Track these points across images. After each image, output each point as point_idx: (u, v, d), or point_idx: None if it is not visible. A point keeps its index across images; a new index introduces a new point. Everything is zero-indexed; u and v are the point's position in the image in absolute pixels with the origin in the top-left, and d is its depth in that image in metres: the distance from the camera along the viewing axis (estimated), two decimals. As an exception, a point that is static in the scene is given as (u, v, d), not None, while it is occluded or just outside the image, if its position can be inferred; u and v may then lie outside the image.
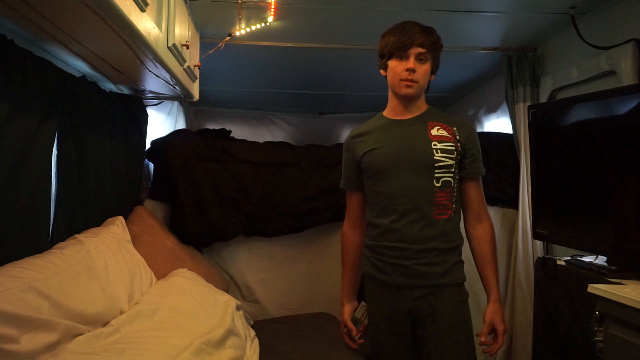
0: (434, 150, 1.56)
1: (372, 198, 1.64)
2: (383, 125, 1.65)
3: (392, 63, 1.56)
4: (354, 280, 1.76)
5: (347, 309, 1.74)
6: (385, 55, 1.58)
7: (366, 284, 1.69)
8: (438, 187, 1.56)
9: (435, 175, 1.55)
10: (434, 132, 1.59)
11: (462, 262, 1.66)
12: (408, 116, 1.63)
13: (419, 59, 1.53)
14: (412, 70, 1.52)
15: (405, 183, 1.56)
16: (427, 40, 1.52)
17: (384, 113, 1.68)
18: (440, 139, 1.58)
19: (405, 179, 1.56)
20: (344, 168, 1.72)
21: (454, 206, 1.60)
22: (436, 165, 1.55)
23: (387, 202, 1.58)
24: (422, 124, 1.61)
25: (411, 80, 1.53)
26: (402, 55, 1.54)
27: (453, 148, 1.58)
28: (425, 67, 1.55)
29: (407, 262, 1.55)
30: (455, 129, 1.61)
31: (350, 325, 1.72)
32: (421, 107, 1.65)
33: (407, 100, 1.60)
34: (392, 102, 1.65)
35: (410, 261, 1.55)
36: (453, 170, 1.58)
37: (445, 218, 1.58)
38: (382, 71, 1.63)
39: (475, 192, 1.66)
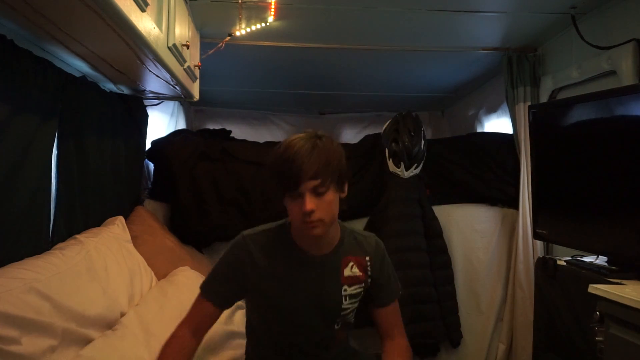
0: (343, 297, 1.36)
1: (257, 324, 1.43)
2: (291, 257, 1.35)
3: (286, 202, 1.26)
4: None
5: None
6: (278, 192, 1.27)
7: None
8: (338, 329, 1.40)
9: (337, 320, 1.39)
10: (346, 271, 1.36)
11: None
12: (320, 251, 1.35)
13: (317, 192, 1.21)
14: (311, 212, 1.20)
15: (303, 330, 1.37)
16: (319, 166, 1.19)
17: (294, 236, 1.35)
18: (352, 282, 1.37)
19: (304, 325, 1.36)
20: (220, 276, 1.37)
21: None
22: (342, 313, 1.37)
23: (276, 339, 1.39)
24: (335, 261, 1.36)
25: (313, 222, 1.22)
26: (295, 195, 1.22)
27: (361, 290, 1.39)
28: (328, 198, 1.22)
29: None
30: (368, 259, 1.39)
31: None
32: (335, 236, 1.36)
33: (316, 238, 1.30)
34: (299, 233, 1.34)
35: None
36: (355, 309, 1.42)
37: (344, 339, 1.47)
38: (283, 202, 1.30)
39: (385, 317, 1.45)
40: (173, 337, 1.34)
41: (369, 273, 1.40)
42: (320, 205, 1.21)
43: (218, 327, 1.80)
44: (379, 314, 1.44)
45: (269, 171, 1.27)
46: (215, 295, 1.35)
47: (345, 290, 1.36)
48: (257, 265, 1.32)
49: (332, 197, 1.24)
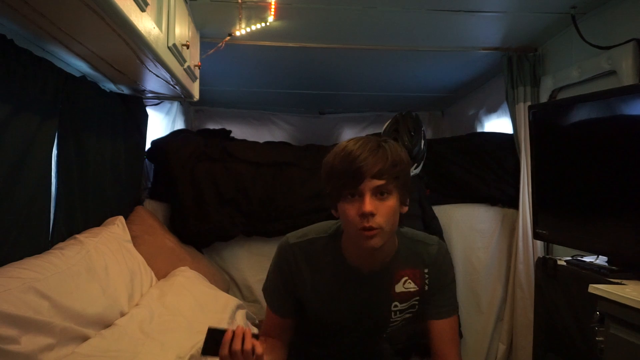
0: (392, 313, 1.25)
1: (302, 333, 1.36)
2: (338, 273, 1.22)
3: (342, 206, 1.10)
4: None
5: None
6: (333, 196, 1.12)
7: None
8: (386, 336, 1.35)
9: (384, 333, 1.33)
10: (398, 287, 1.23)
11: None
12: (371, 267, 1.21)
13: (379, 195, 1.07)
14: (371, 215, 1.05)
15: (350, 343, 1.30)
16: (384, 165, 1.06)
17: (344, 249, 1.21)
18: (404, 298, 1.23)
19: (352, 340, 1.31)
20: (272, 287, 1.29)
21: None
22: (390, 326, 1.29)
23: (320, 349, 1.37)
24: (387, 277, 1.22)
25: (371, 228, 1.06)
26: (353, 193, 1.07)
27: (416, 303, 1.26)
28: (390, 204, 1.08)
29: None
30: (426, 271, 1.24)
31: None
32: (390, 249, 1.20)
33: (371, 251, 1.12)
34: (351, 246, 1.19)
35: None
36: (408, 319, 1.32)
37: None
38: (332, 211, 1.16)
39: (439, 331, 1.25)
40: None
41: (426, 288, 1.24)
42: (381, 209, 1.06)
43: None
44: (432, 328, 1.27)
45: (324, 170, 1.12)
46: (276, 308, 1.29)
47: (395, 306, 1.24)
48: (302, 276, 1.23)
49: (394, 204, 1.09)
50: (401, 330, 1.34)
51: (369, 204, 1.05)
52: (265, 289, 1.31)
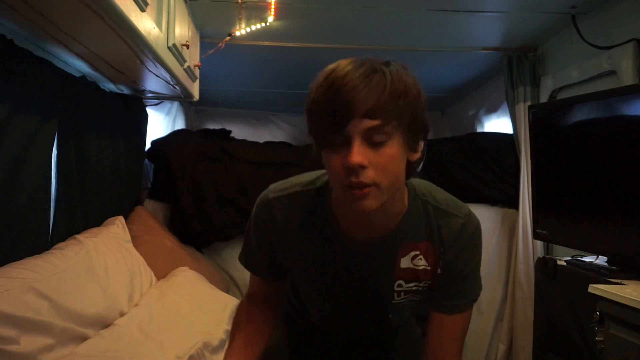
0: (396, 293, 0.98)
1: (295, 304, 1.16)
2: (326, 240, 0.95)
3: (325, 155, 0.82)
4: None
5: None
6: (316, 140, 0.85)
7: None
8: (391, 317, 1.08)
9: (389, 313, 1.06)
10: (405, 262, 0.95)
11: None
12: (370, 234, 0.92)
13: (372, 140, 0.77)
14: (360, 167, 0.77)
15: (349, 323, 1.10)
16: (380, 99, 0.76)
17: (334, 207, 0.93)
18: (410, 277, 0.96)
19: (351, 320, 1.09)
20: (251, 249, 1.04)
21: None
22: (392, 307, 1.03)
23: (322, 328, 1.15)
24: (390, 248, 0.94)
25: (362, 185, 0.77)
26: (337, 141, 0.79)
27: (426, 285, 0.99)
28: (389, 152, 0.78)
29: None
30: (441, 250, 0.94)
31: None
32: (396, 210, 0.91)
33: (365, 214, 0.82)
34: (342, 206, 0.92)
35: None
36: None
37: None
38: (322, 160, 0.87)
39: (434, 328, 1.01)
40: (238, 307, 1.11)
41: (438, 271, 0.96)
42: (375, 160, 0.77)
43: (218, 327, 1.81)
44: (431, 321, 1.01)
45: (305, 105, 0.87)
46: (258, 271, 1.06)
47: (399, 285, 0.97)
48: (283, 238, 0.97)
49: (395, 152, 0.79)
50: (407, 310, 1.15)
51: (356, 154, 0.76)
52: (243, 250, 1.08)
